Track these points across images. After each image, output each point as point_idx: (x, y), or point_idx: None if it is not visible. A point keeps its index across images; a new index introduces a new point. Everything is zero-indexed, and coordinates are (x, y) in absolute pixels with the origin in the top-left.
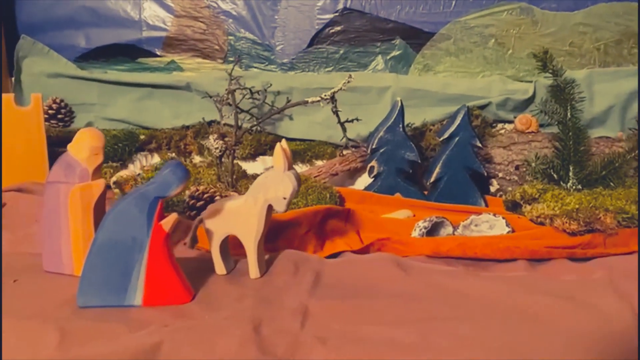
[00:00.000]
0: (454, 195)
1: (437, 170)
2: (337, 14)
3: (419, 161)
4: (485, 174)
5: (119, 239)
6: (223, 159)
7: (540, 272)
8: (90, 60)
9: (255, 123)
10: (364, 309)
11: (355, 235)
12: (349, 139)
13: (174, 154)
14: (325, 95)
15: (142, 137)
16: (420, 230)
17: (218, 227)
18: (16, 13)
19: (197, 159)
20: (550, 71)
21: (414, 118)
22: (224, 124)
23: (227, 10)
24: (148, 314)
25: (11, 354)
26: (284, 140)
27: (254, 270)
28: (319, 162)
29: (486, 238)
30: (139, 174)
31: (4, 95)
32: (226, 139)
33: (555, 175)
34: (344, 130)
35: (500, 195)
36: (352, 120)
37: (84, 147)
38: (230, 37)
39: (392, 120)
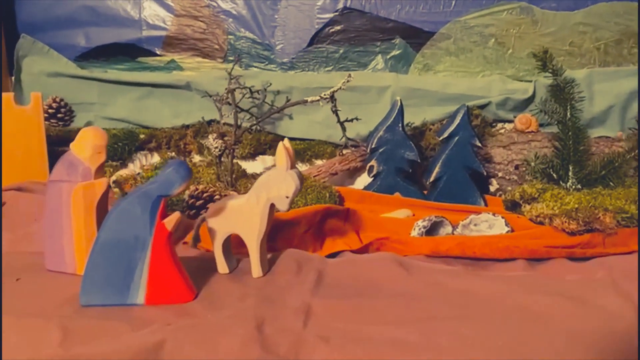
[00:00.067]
0: (454, 194)
1: (436, 169)
2: (337, 13)
3: (419, 160)
4: (485, 173)
5: (122, 238)
6: (222, 158)
7: (539, 272)
8: (90, 60)
9: (254, 122)
10: (367, 308)
11: (354, 235)
12: (349, 139)
13: (173, 153)
14: (324, 95)
15: (142, 136)
16: (420, 229)
17: (220, 226)
18: (16, 12)
19: (196, 158)
20: (550, 71)
21: (414, 117)
22: (224, 123)
23: (227, 9)
24: (151, 312)
25: (13, 352)
26: (286, 139)
27: (256, 269)
28: (319, 162)
29: (485, 237)
30: (138, 173)
31: (3, 95)
32: (226, 138)
33: (554, 175)
34: (344, 129)
35: (500, 195)
36: (351, 120)
37: (87, 146)
38: (230, 37)
39: (392, 119)
